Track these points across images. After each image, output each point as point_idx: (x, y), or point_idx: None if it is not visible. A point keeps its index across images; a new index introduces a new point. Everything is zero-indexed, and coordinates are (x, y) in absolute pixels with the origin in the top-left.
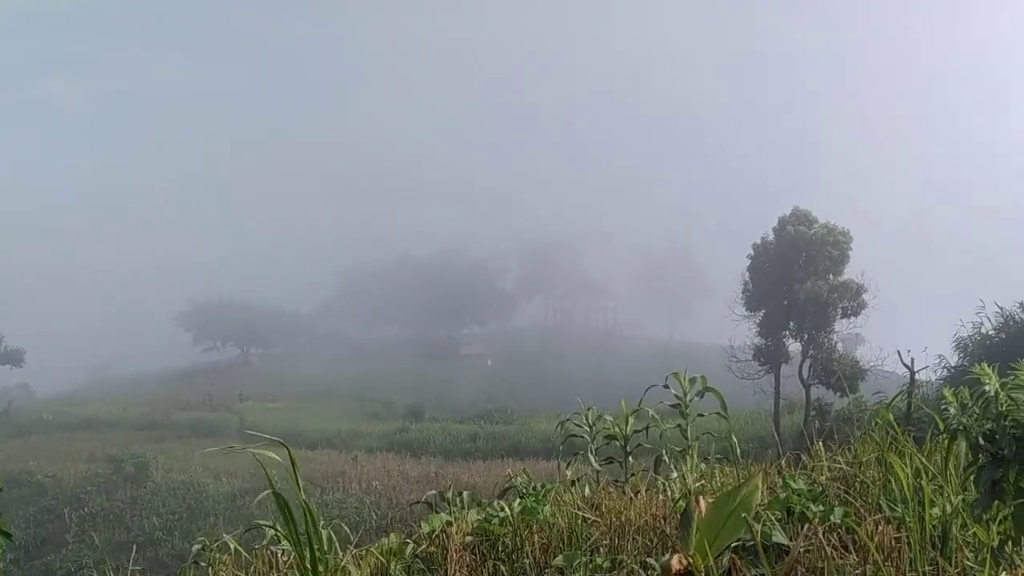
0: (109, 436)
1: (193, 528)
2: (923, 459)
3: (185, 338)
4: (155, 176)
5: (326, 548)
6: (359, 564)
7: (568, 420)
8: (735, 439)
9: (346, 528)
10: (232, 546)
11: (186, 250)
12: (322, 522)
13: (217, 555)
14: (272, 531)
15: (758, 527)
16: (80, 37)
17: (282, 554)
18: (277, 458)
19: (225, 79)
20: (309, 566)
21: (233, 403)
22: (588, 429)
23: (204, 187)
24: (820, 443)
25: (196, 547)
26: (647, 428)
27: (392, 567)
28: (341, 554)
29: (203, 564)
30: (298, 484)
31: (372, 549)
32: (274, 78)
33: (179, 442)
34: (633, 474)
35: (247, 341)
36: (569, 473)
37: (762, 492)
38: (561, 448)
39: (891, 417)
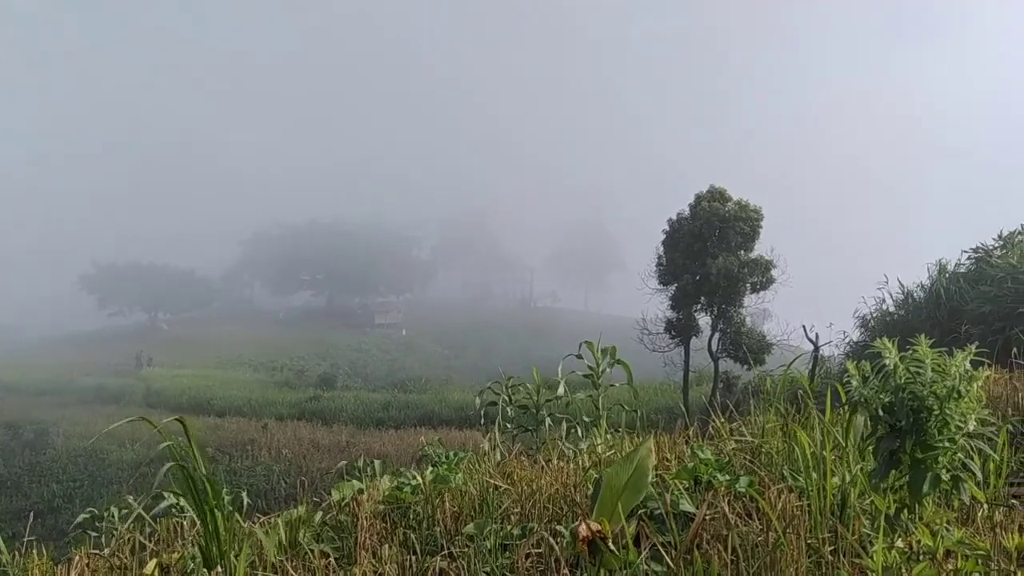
0: (8, 401)
1: (95, 495)
2: (825, 430)
3: (91, 302)
4: (62, 140)
5: (230, 515)
6: (267, 533)
7: (489, 388)
8: (641, 410)
9: (249, 496)
10: (135, 512)
11: (97, 212)
12: (225, 490)
13: (118, 524)
14: (174, 498)
15: (667, 496)
16: None
17: (187, 522)
18: (180, 427)
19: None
20: (212, 533)
21: (139, 369)
22: (506, 398)
23: (112, 147)
24: (725, 415)
25: (81, 517)
26: (558, 397)
27: (301, 535)
28: (247, 523)
29: (93, 535)
30: (195, 456)
31: (279, 518)
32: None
33: (82, 408)
34: (544, 443)
35: (155, 306)
36: (487, 444)
37: (670, 461)
38: (483, 417)
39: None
